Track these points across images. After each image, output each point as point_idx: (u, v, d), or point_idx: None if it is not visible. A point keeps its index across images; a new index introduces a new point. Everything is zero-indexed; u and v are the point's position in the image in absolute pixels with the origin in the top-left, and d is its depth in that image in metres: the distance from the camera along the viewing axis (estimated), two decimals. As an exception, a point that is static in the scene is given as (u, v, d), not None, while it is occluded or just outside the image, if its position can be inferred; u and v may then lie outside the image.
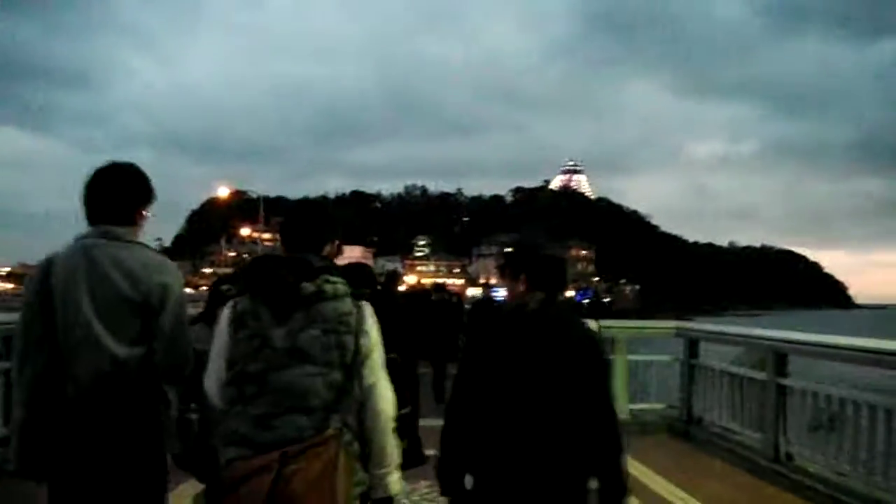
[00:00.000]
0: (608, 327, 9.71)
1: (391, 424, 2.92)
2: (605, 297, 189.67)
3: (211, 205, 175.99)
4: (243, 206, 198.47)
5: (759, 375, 8.28)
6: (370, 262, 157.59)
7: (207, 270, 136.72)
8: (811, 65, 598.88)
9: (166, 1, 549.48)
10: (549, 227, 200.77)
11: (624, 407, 10.26)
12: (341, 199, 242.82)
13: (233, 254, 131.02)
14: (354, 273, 3.50)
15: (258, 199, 52.88)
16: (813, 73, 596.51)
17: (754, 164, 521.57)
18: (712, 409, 9.65)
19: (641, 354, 11.42)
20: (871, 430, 6.47)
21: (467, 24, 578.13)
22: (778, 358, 7.91)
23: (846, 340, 7.07)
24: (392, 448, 2.93)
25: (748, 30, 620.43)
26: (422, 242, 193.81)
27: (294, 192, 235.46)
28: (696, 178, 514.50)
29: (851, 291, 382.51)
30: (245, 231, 66.76)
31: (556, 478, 3.07)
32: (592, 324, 5.99)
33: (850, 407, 6.83)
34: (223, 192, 50.37)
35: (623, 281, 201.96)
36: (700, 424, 9.89)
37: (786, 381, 7.78)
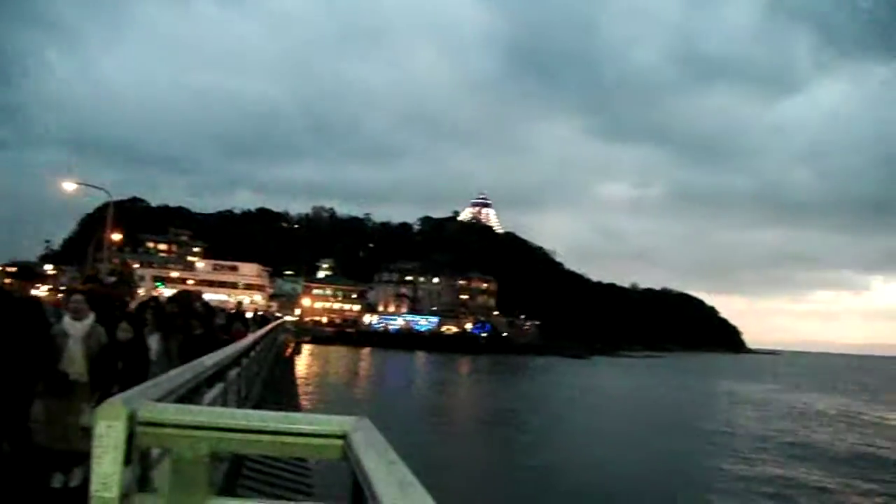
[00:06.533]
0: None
1: None
2: (504, 332, 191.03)
3: (106, 210, 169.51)
4: (141, 214, 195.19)
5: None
6: (265, 280, 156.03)
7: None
8: (718, 117, 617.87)
9: (90, 0, 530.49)
10: (453, 257, 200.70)
11: None
12: (247, 216, 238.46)
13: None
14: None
15: (109, 204, 49.54)
16: (719, 125, 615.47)
17: (659, 209, 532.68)
18: None
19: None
20: None
21: (388, 50, 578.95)
22: None
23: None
24: None
25: (661, 78, 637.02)
26: (325, 265, 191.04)
27: (201, 205, 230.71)
28: (602, 218, 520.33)
29: (744, 337, 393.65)
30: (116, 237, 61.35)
31: None
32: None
33: None
34: (69, 187, 46.62)
35: (523, 316, 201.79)
36: None
37: None
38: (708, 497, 27.75)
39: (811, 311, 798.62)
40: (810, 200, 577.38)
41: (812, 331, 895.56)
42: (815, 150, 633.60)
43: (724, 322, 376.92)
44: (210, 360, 6.86)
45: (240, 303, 29.28)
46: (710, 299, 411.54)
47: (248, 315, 27.92)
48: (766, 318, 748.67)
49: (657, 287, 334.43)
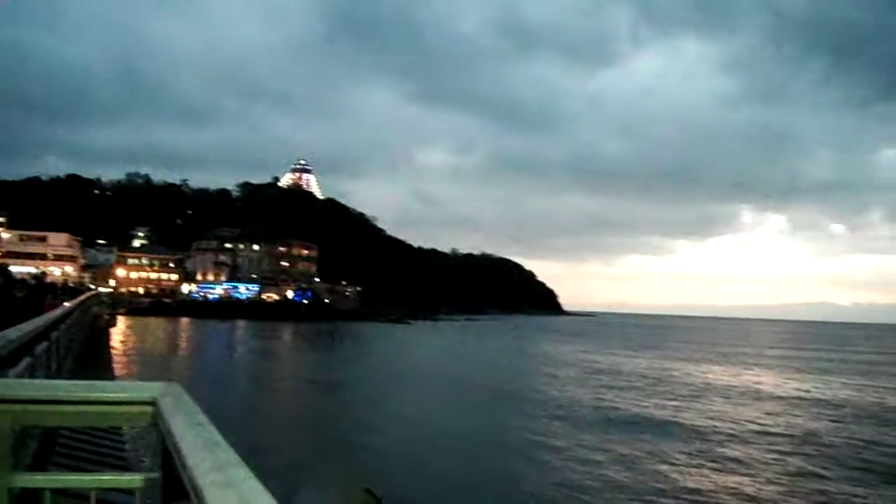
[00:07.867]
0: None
1: None
2: (326, 299, 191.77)
3: None
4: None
5: None
6: (77, 251, 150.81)
7: None
8: (538, 86, 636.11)
9: None
10: (273, 224, 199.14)
11: None
12: (56, 182, 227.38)
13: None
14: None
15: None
16: (539, 94, 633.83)
17: (478, 175, 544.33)
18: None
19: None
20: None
21: (204, 11, 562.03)
22: None
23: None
24: None
25: (483, 46, 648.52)
26: (141, 234, 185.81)
27: (5, 171, 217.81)
28: (422, 185, 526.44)
29: (561, 299, 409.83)
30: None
31: None
32: None
33: None
34: None
35: (345, 282, 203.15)
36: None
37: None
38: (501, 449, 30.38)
39: (623, 275, 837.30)
40: (622, 169, 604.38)
41: (624, 293, 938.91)
42: (628, 122, 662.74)
43: (542, 285, 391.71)
44: (13, 333, 6.53)
45: (43, 273, 29.10)
46: (527, 263, 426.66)
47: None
48: (581, 281, 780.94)
49: (477, 252, 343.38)
